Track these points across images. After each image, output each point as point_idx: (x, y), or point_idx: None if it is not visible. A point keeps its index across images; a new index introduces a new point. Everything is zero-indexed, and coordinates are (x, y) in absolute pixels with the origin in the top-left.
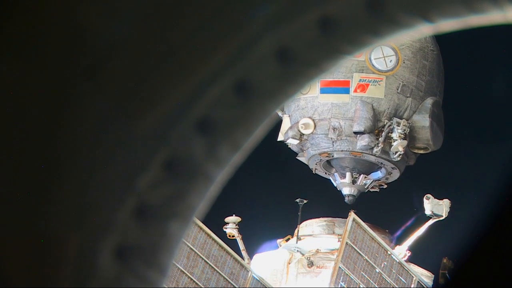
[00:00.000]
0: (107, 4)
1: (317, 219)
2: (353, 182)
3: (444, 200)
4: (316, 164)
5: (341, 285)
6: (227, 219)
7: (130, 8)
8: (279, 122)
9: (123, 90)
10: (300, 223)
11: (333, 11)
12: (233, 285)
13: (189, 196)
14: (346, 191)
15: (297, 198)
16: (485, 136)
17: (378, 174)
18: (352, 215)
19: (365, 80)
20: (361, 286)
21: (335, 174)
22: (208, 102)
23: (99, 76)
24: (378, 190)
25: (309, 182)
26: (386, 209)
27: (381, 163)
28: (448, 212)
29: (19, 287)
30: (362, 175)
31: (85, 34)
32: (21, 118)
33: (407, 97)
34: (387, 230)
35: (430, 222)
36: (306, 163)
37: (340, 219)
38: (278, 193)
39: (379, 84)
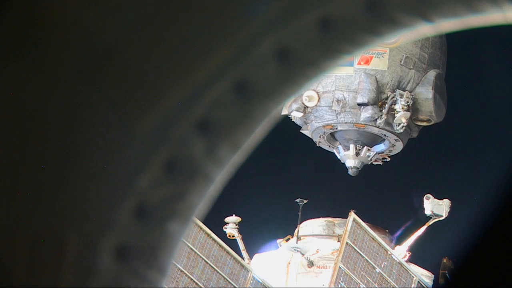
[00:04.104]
0: (108, 5)
1: (317, 219)
2: (357, 154)
3: (444, 200)
4: (320, 137)
5: (341, 285)
6: (227, 219)
7: (130, 8)
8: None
9: (123, 90)
10: (300, 223)
11: (333, 11)
12: (233, 285)
13: (189, 196)
14: (349, 163)
15: (297, 198)
16: (485, 136)
17: (381, 147)
18: (352, 215)
19: (369, 53)
20: (361, 286)
21: (339, 146)
22: (208, 102)
23: (99, 76)
24: (381, 163)
25: (309, 182)
26: (386, 209)
27: (385, 135)
28: (448, 212)
29: (19, 287)
30: (365, 147)
31: (85, 34)
32: (21, 118)
33: (410, 69)
34: (387, 230)
35: (430, 222)
36: (310, 136)
37: (340, 219)
38: (278, 193)
39: (382, 57)
